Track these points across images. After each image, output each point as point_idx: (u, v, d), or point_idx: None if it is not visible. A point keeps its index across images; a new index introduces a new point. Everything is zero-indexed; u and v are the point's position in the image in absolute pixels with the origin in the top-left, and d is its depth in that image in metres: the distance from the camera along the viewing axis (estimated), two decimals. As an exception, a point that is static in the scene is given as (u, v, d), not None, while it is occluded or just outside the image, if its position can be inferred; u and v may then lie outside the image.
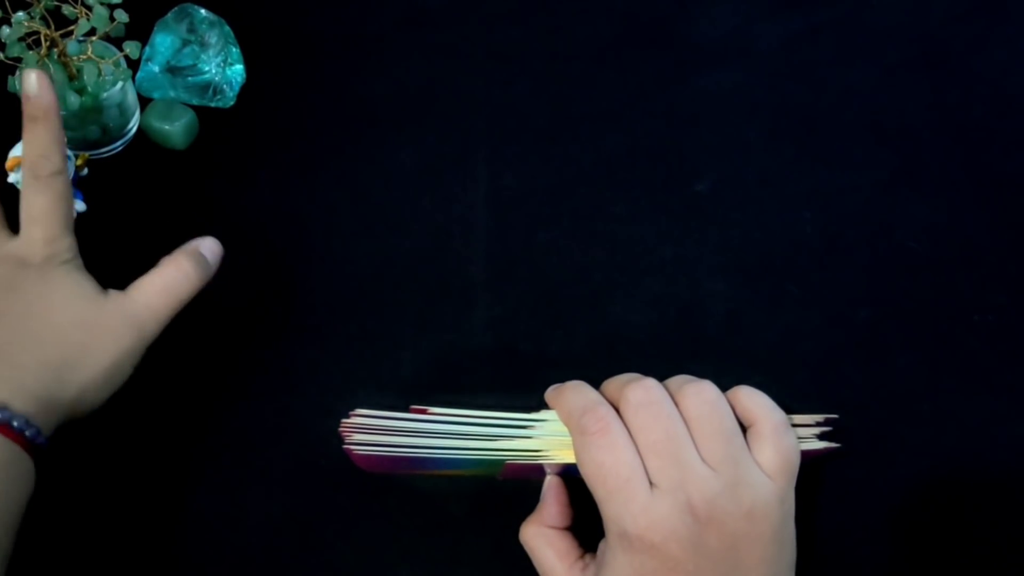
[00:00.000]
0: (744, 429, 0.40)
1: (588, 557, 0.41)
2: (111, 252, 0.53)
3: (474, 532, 0.47)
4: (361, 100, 0.60)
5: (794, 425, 0.41)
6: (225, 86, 0.58)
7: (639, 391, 0.39)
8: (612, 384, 0.41)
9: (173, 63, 0.57)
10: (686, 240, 0.56)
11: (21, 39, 0.50)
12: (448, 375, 0.51)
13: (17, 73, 0.52)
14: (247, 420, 0.49)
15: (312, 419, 0.49)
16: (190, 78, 0.57)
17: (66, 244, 0.44)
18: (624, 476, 0.37)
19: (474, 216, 0.56)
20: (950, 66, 0.63)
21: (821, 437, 0.43)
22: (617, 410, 0.39)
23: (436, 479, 0.47)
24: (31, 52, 0.51)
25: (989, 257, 0.56)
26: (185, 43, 0.57)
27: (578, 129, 0.59)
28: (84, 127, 0.54)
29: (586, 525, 0.42)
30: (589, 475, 0.38)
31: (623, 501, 0.37)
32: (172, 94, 0.58)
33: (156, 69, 0.57)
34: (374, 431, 0.42)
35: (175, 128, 0.56)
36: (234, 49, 0.59)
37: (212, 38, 0.57)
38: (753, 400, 0.40)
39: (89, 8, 0.50)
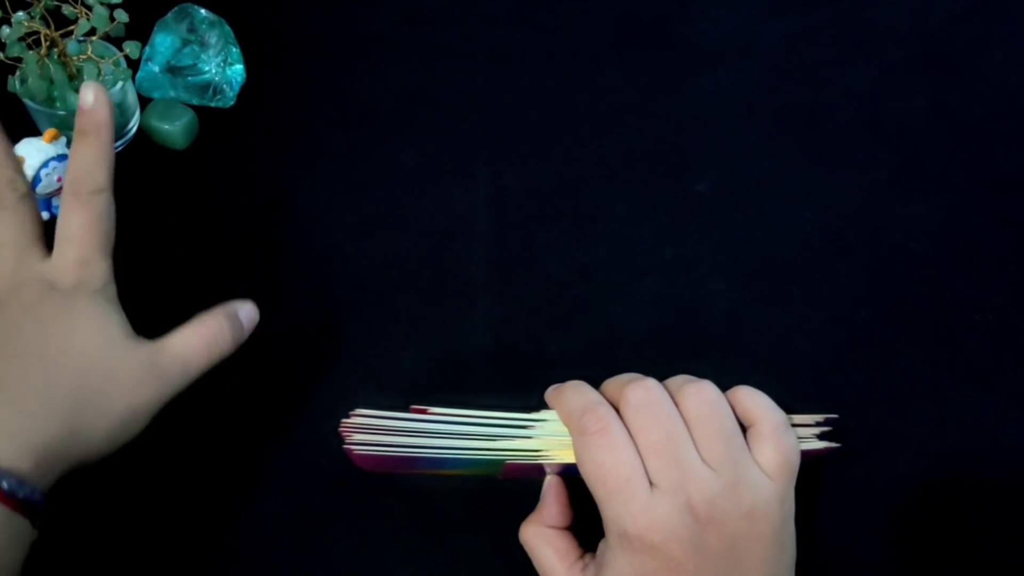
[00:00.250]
0: (744, 429, 0.40)
1: (588, 557, 0.41)
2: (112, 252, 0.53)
3: (474, 532, 0.47)
4: (361, 100, 0.60)
5: (794, 425, 0.41)
6: (225, 86, 0.58)
7: (639, 391, 0.39)
8: (612, 384, 0.41)
9: (173, 63, 0.57)
10: (686, 240, 0.56)
11: (21, 39, 0.50)
12: (448, 375, 0.51)
13: (17, 73, 0.52)
14: (247, 420, 0.49)
15: (312, 419, 0.49)
16: (190, 78, 0.57)
17: (100, 270, 0.41)
18: (624, 476, 0.37)
19: (474, 216, 0.56)
20: (950, 66, 0.63)
21: (821, 437, 0.43)
22: (617, 410, 0.39)
23: (436, 479, 0.46)
24: (31, 52, 0.51)
25: (989, 257, 0.56)
26: (185, 43, 0.57)
27: (578, 129, 0.59)
28: (84, 127, 0.54)
29: (586, 525, 0.42)
30: (589, 475, 0.38)
31: (623, 501, 0.37)
32: (172, 94, 0.58)
33: (156, 69, 0.57)
34: (374, 431, 0.42)
35: (175, 128, 0.56)
36: (234, 49, 0.59)
37: (212, 38, 0.57)
38: (753, 400, 0.40)
39: (89, 8, 0.50)
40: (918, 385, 0.51)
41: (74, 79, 0.53)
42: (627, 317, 0.53)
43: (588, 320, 0.53)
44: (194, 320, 0.42)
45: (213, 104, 0.58)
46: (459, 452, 0.41)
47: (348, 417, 0.42)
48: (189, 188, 0.56)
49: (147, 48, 0.57)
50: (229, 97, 0.58)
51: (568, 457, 0.40)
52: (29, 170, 0.50)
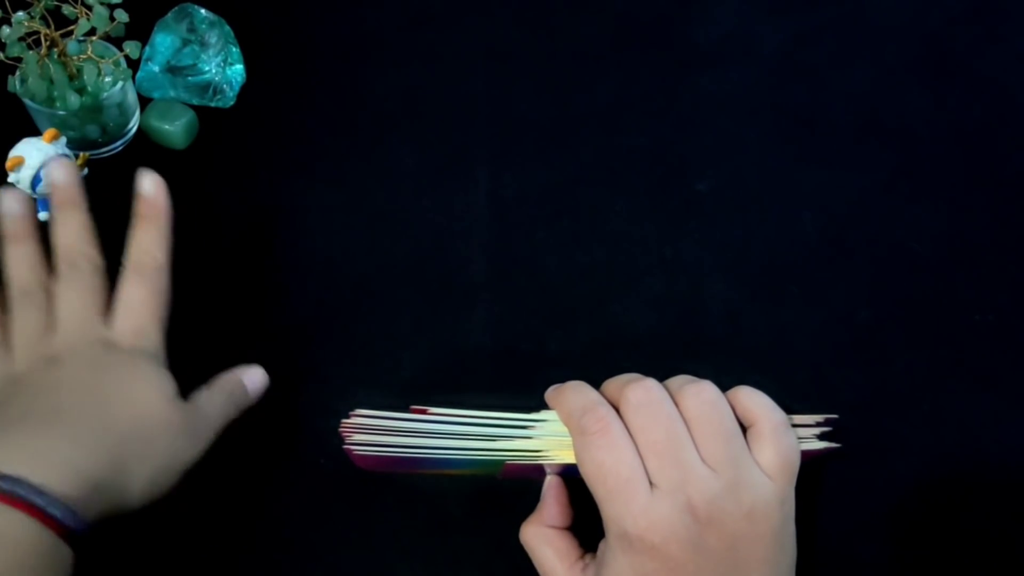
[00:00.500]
0: (744, 429, 0.40)
1: (588, 557, 0.41)
2: (111, 252, 0.53)
3: (474, 532, 0.47)
4: (361, 100, 0.60)
5: (794, 425, 0.41)
6: (225, 86, 0.58)
7: (639, 391, 0.39)
8: (612, 384, 0.41)
9: (173, 63, 0.57)
10: (686, 240, 0.56)
11: (21, 39, 0.50)
12: (448, 375, 0.51)
13: (17, 73, 0.52)
14: (247, 420, 0.49)
15: (312, 419, 0.49)
16: (190, 78, 0.57)
17: (154, 340, 0.44)
18: (624, 476, 0.37)
19: (474, 216, 0.56)
20: (950, 66, 0.63)
21: (821, 437, 0.43)
22: (617, 410, 0.39)
23: (436, 479, 0.46)
24: (31, 52, 0.51)
25: (989, 257, 0.56)
26: (185, 43, 0.57)
27: (578, 129, 0.59)
28: (84, 127, 0.54)
29: (586, 525, 0.42)
30: (589, 475, 0.38)
31: (623, 501, 0.37)
32: (172, 94, 0.58)
33: (156, 69, 0.57)
34: (374, 431, 0.42)
35: (175, 128, 0.56)
36: (234, 49, 0.59)
37: (212, 38, 0.57)
38: (753, 400, 0.40)
39: (89, 8, 0.50)
40: (918, 385, 0.51)
41: (74, 79, 0.53)
42: (627, 317, 0.53)
43: (588, 320, 0.53)
44: (216, 381, 0.45)
45: (213, 104, 0.58)
46: (459, 452, 0.41)
47: (348, 417, 0.42)
48: (189, 188, 0.56)
49: (147, 48, 0.57)
50: (229, 97, 0.58)
51: (568, 457, 0.40)
52: (29, 170, 0.50)
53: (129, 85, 0.55)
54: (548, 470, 0.43)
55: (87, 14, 0.50)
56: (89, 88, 0.53)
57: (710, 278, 0.54)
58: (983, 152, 0.60)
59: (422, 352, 0.51)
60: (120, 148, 0.57)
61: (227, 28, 0.59)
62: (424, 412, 0.42)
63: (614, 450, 0.37)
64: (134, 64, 0.55)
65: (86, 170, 0.55)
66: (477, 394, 0.46)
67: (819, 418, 0.43)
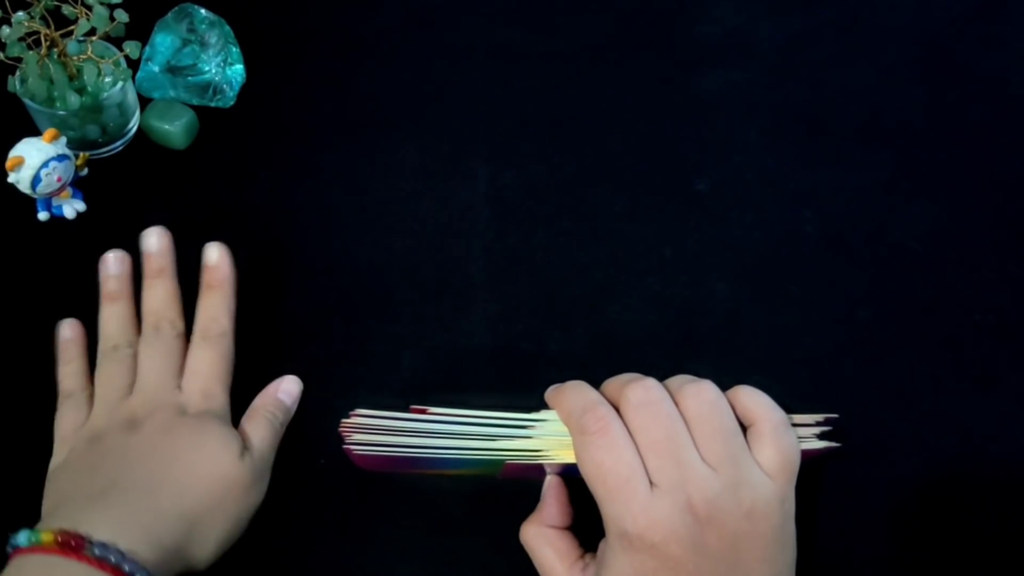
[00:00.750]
0: (744, 429, 0.40)
1: (588, 557, 0.41)
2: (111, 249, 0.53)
3: (474, 532, 0.47)
4: (361, 100, 0.60)
5: (794, 425, 0.41)
6: (225, 86, 0.58)
7: (639, 391, 0.39)
8: (612, 384, 0.41)
9: (173, 63, 0.57)
10: (686, 239, 0.56)
11: (21, 39, 0.50)
12: (448, 375, 0.51)
13: (17, 73, 0.52)
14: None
15: (312, 419, 0.49)
16: (190, 78, 0.57)
17: (220, 401, 0.46)
18: (624, 476, 0.37)
19: (474, 215, 0.56)
20: (950, 66, 0.63)
21: (821, 437, 0.43)
22: (617, 410, 0.39)
23: (436, 479, 0.46)
24: (31, 52, 0.51)
25: (989, 257, 0.56)
26: (185, 43, 0.57)
27: (578, 129, 0.59)
28: (84, 127, 0.54)
29: (586, 525, 0.42)
30: (589, 475, 0.38)
31: (623, 501, 0.37)
32: (172, 94, 0.58)
33: (156, 69, 0.57)
34: (374, 431, 0.42)
35: (175, 128, 0.56)
36: (234, 49, 0.59)
37: (212, 38, 0.57)
38: (753, 400, 0.40)
39: (89, 8, 0.50)
40: (918, 385, 0.51)
41: (74, 79, 0.53)
42: (627, 316, 0.53)
43: (588, 319, 0.53)
44: (257, 414, 0.47)
45: (213, 104, 0.58)
46: (459, 452, 0.41)
47: (348, 417, 0.42)
48: (189, 188, 0.56)
49: (147, 48, 0.57)
50: (229, 97, 0.58)
51: (568, 457, 0.40)
52: (29, 170, 0.50)
53: (129, 85, 0.55)
54: (548, 470, 0.43)
55: (87, 14, 0.50)
56: (89, 88, 0.53)
57: (710, 278, 0.54)
58: (983, 152, 0.59)
59: (422, 352, 0.51)
60: (120, 148, 0.57)
61: (227, 28, 0.59)
62: (424, 412, 0.42)
63: (614, 449, 0.37)
64: (134, 64, 0.55)
65: (86, 170, 0.55)
66: (477, 394, 0.46)
67: (819, 418, 0.43)
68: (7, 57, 0.50)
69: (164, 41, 0.57)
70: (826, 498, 0.48)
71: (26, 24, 0.50)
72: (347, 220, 0.55)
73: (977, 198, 0.58)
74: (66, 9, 0.50)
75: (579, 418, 0.39)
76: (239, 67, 0.59)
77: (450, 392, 0.50)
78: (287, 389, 0.49)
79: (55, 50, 0.51)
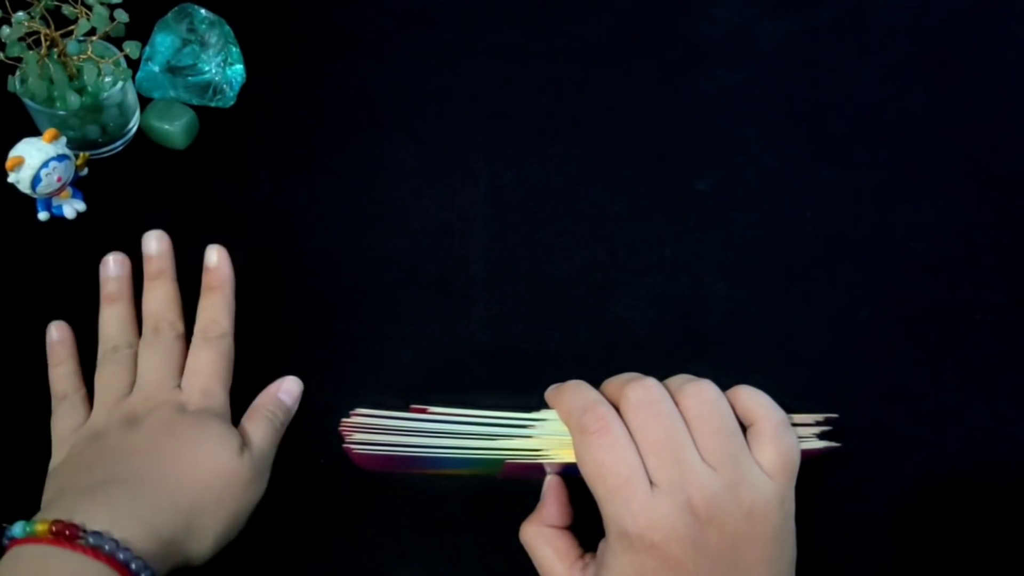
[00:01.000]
0: (744, 428, 0.40)
1: (588, 557, 0.41)
2: (111, 251, 0.53)
3: (474, 532, 0.47)
4: (361, 99, 0.60)
5: (794, 424, 0.41)
6: (225, 86, 0.58)
7: (639, 390, 0.39)
8: (612, 383, 0.41)
9: (173, 63, 0.57)
10: (686, 239, 0.56)
11: (21, 39, 0.50)
12: (448, 374, 0.51)
13: (17, 73, 0.52)
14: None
15: (312, 419, 0.49)
16: (190, 78, 0.57)
17: (220, 400, 0.47)
18: (624, 475, 0.37)
19: (474, 215, 0.56)
20: (950, 66, 0.63)
21: (821, 436, 0.43)
22: (617, 410, 0.39)
23: (436, 479, 0.46)
24: (31, 52, 0.51)
25: (989, 257, 0.56)
26: (185, 43, 0.57)
27: (578, 129, 0.59)
28: (84, 127, 0.54)
29: (586, 525, 0.42)
30: (589, 474, 0.38)
31: (623, 500, 0.37)
32: (172, 94, 0.58)
33: (156, 69, 0.57)
34: (374, 430, 0.42)
35: (175, 128, 0.56)
36: (234, 49, 0.59)
37: (212, 38, 0.57)
38: (753, 399, 0.40)
39: (89, 8, 0.50)
40: (918, 385, 0.51)
41: (74, 79, 0.53)
42: (627, 316, 0.53)
43: (588, 319, 0.53)
44: (258, 413, 0.47)
45: (213, 104, 0.58)
46: (459, 452, 0.41)
47: (348, 416, 0.42)
48: (189, 188, 0.56)
49: (147, 48, 0.57)
50: (229, 97, 0.58)
51: (568, 456, 0.40)
52: (29, 170, 0.50)
53: (129, 85, 0.55)
54: (548, 469, 0.43)
55: (87, 14, 0.50)
56: (89, 88, 0.53)
57: (710, 277, 0.54)
58: (983, 152, 0.59)
59: (422, 352, 0.51)
60: (120, 148, 0.57)
61: (227, 28, 0.59)
62: (424, 411, 0.42)
63: (614, 449, 0.37)
64: (134, 64, 0.55)
65: (86, 170, 0.55)
66: (477, 394, 0.46)
67: (819, 417, 0.43)
68: (7, 57, 0.50)
69: (164, 41, 0.57)
70: (826, 498, 0.48)
71: (26, 24, 0.50)
72: (347, 220, 0.55)
73: (977, 198, 0.58)
74: (66, 9, 0.50)
75: (579, 418, 0.39)
76: (239, 67, 0.59)
77: (450, 392, 0.50)
78: (288, 389, 0.49)
79: (55, 50, 0.51)
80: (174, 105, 0.57)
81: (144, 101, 0.57)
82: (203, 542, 0.42)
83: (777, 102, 0.61)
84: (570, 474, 0.42)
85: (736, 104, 0.61)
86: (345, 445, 0.42)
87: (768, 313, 0.53)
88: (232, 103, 0.59)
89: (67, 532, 0.38)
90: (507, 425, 0.42)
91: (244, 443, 0.45)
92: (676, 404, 0.39)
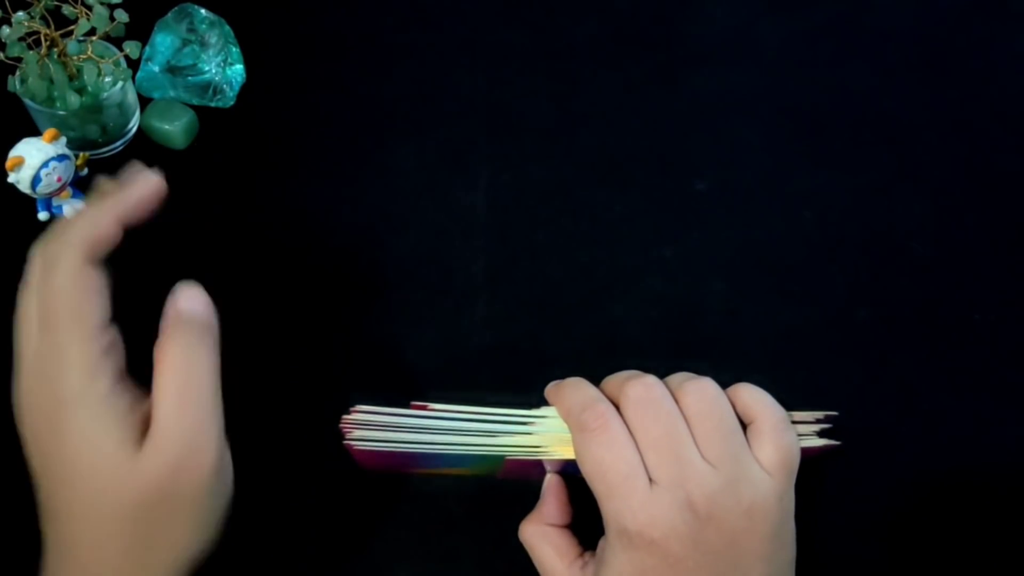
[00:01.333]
0: (744, 426, 0.40)
1: (588, 555, 0.41)
2: (111, 252, 0.53)
3: (474, 532, 0.47)
4: (361, 100, 0.60)
5: (794, 422, 0.41)
6: (225, 86, 0.58)
7: (639, 387, 0.39)
8: (612, 381, 0.41)
9: (173, 63, 0.57)
10: (686, 239, 0.56)
11: (21, 39, 0.50)
12: (448, 374, 0.51)
13: (17, 73, 0.52)
14: (247, 419, 0.49)
15: (312, 418, 0.49)
16: (190, 78, 0.57)
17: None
18: (624, 472, 0.37)
19: (474, 215, 0.56)
20: (950, 66, 0.63)
21: (821, 434, 0.43)
22: (617, 408, 0.39)
23: (436, 479, 0.46)
24: (31, 52, 0.51)
25: (989, 257, 0.56)
26: (185, 43, 0.57)
27: (578, 129, 0.59)
28: (84, 127, 0.54)
29: (586, 524, 0.42)
30: (589, 472, 0.38)
31: (622, 497, 0.37)
32: (172, 94, 0.58)
33: (156, 69, 0.57)
34: (375, 427, 0.42)
35: (175, 128, 0.56)
36: (234, 49, 0.59)
37: (212, 38, 0.58)
38: (753, 397, 0.40)
39: (89, 8, 0.50)
40: (918, 385, 0.51)
41: (74, 79, 0.53)
42: (627, 316, 0.53)
43: (588, 319, 0.53)
44: (157, 364, 0.36)
45: (213, 104, 0.58)
46: (459, 448, 0.41)
47: (348, 413, 0.42)
48: (189, 188, 0.56)
49: (147, 48, 0.57)
50: (229, 97, 0.58)
51: (568, 454, 0.40)
52: (29, 170, 0.50)
53: (129, 85, 0.55)
54: (548, 468, 0.43)
55: (87, 14, 0.50)
56: (89, 88, 0.53)
57: (710, 278, 0.54)
58: (983, 152, 0.59)
59: (422, 351, 0.51)
60: (120, 148, 0.57)
61: (227, 28, 0.59)
62: (424, 408, 0.42)
63: (613, 446, 0.37)
64: (134, 64, 0.55)
65: (86, 170, 0.55)
66: (477, 394, 0.46)
67: (819, 415, 0.43)
68: (7, 57, 0.50)
69: (164, 41, 0.57)
70: (826, 498, 0.48)
71: (26, 24, 0.50)
72: (347, 220, 0.55)
73: (977, 198, 0.58)
74: (66, 9, 0.50)
75: (578, 415, 0.39)
76: (239, 67, 0.59)
77: (450, 392, 0.50)
78: (189, 297, 0.38)
79: (55, 50, 0.51)
80: (174, 105, 0.57)
81: (144, 101, 0.57)
82: (189, 551, 0.35)
83: (777, 102, 0.61)
84: (570, 473, 0.42)
85: (736, 104, 0.61)
86: (345, 442, 0.42)
87: (768, 313, 0.53)
88: (232, 103, 0.59)
89: None
90: (508, 422, 0.42)
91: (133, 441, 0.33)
92: (676, 402, 0.39)
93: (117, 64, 0.53)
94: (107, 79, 0.53)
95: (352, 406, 0.42)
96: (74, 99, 0.51)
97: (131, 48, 0.51)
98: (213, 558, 0.44)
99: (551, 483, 0.43)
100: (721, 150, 0.59)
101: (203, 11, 0.58)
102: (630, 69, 0.62)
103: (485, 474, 0.45)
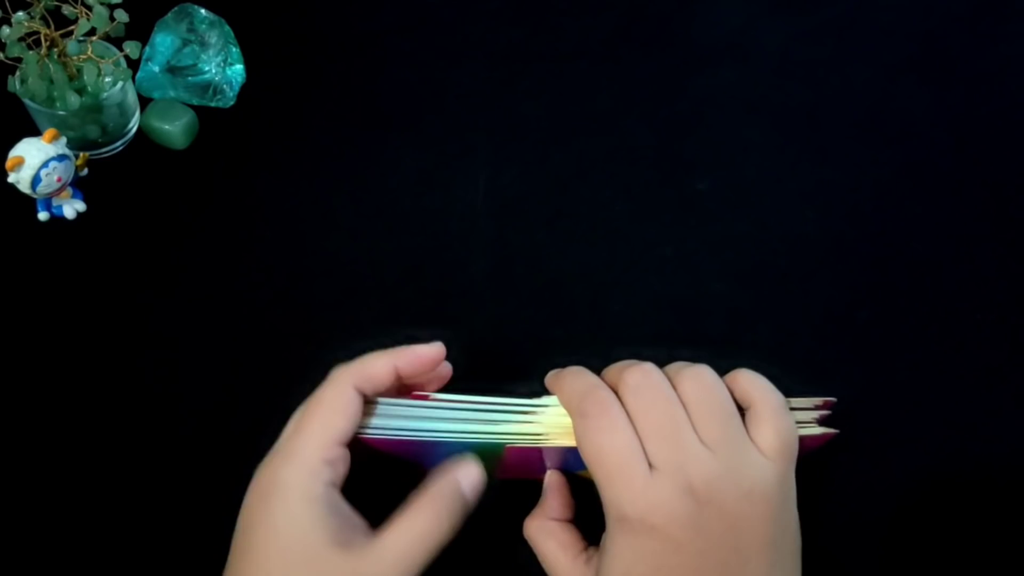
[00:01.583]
0: (743, 412, 0.40)
1: (592, 550, 0.41)
2: (111, 252, 0.53)
3: (474, 532, 0.47)
4: (361, 100, 0.60)
5: (792, 408, 0.41)
6: (225, 86, 0.58)
7: (637, 374, 0.39)
8: (612, 370, 0.41)
9: (173, 63, 0.57)
10: (687, 239, 0.56)
11: (21, 39, 0.50)
12: (448, 374, 0.51)
13: (17, 73, 0.52)
14: (247, 418, 0.49)
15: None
16: (190, 78, 0.57)
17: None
18: (623, 458, 0.37)
19: (474, 215, 0.56)
20: (950, 66, 0.63)
21: (821, 422, 0.43)
22: (617, 395, 0.39)
23: None
24: (31, 52, 0.51)
25: (989, 257, 0.56)
26: (185, 43, 0.57)
27: (578, 129, 0.59)
28: (84, 127, 0.54)
29: (588, 521, 0.42)
30: (589, 458, 0.38)
31: (623, 483, 0.37)
32: (172, 94, 0.58)
33: (156, 69, 0.57)
34: (375, 415, 0.42)
35: (175, 128, 0.56)
36: (234, 49, 0.59)
37: (212, 38, 0.58)
38: (751, 382, 0.40)
39: (89, 8, 0.50)
40: (918, 384, 0.51)
41: (74, 79, 0.53)
42: (627, 316, 0.53)
43: (588, 319, 0.53)
44: (411, 508, 0.39)
45: (213, 104, 0.58)
46: (461, 436, 0.41)
47: None
48: (189, 188, 0.56)
49: (147, 48, 0.57)
50: (229, 97, 0.58)
51: (569, 441, 0.40)
52: (29, 170, 0.50)
53: (129, 85, 0.55)
54: (548, 464, 0.43)
55: (87, 14, 0.50)
56: (89, 88, 0.53)
57: (710, 277, 0.54)
58: (983, 152, 0.60)
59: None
60: (120, 148, 0.57)
61: (227, 28, 0.59)
62: (426, 398, 0.42)
63: (613, 432, 0.37)
64: (134, 64, 0.55)
65: (86, 170, 0.55)
66: (477, 394, 0.46)
67: (818, 401, 0.43)
68: (7, 57, 0.50)
69: (164, 41, 0.57)
70: (826, 497, 0.48)
71: (26, 24, 0.50)
72: (347, 220, 0.55)
73: (977, 198, 0.58)
74: (66, 9, 0.50)
75: (579, 402, 0.39)
76: (239, 67, 0.59)
77: (450, 391, 0.50)
78: (471, 479, 0.40)
79: (55, 50, 0.51)
80: (174, 105, 0.57)
81: (144, 101, 0.57)
82: None
83: (777, 103, 0.61)
84: (570, 469, 0.42)
85: (736, 104, 0.61)
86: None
87: (768, 313, 0.53)
88: (232, 103, 0.59)
89: None
90: (510, 411, 0.42)
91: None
92: (674, 388, 0.39)
93: (117, 64, 0.52)
94: (107, 79, 0.53)
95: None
96: (74, 99, 0.51)
97: (131, 48, 0.51)
98: (213, 558, 0.44)
99: (552, 479, 0.43)
100: (721, 150, 0.59)
101: (203, 11, 0.58)
102: (630, 69, 0.62)
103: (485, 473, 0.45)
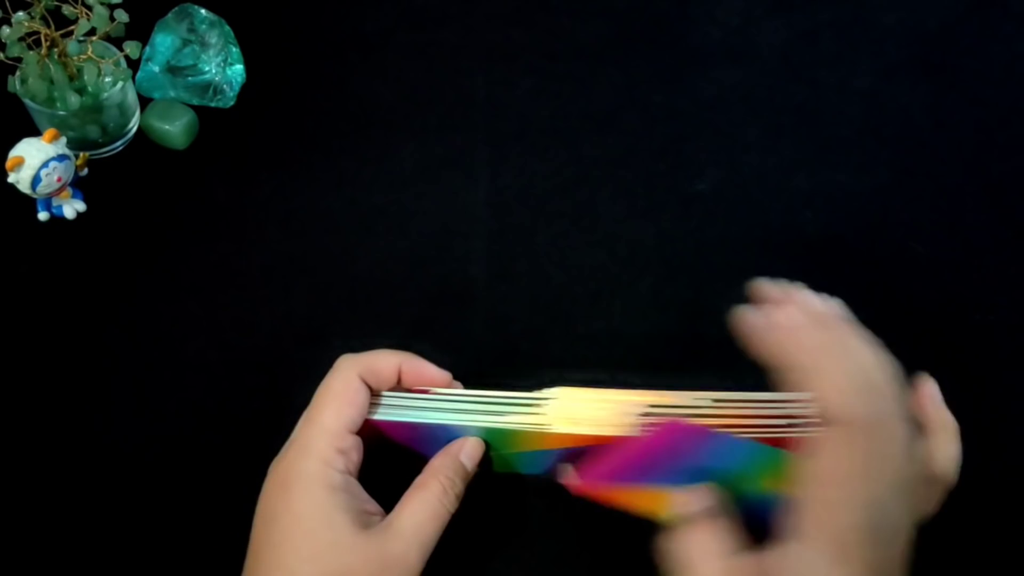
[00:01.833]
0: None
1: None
2: (111, 252, 0.53)
3: (476, 532, 0.47)
4: (361, 100, 0.60)
5: (793, 408, 0.41)
6: (225, 86, 0.58)
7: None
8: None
9: (173, 63, 0.57)
10: (686, 240, 0.56)
11: (21, 39, 0.50)
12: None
13: (17, 73, 0.52)
14: (247, 418, 0.49)
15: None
16: (190, 78, 0.57)
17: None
18: (818, 353, 0.38)
19: (474, 216, 0.56)
20: (950, 66, 0.63)
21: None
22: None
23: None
24: (31, 52, 0.51)
25: (989, 257, 0.56)
26: (185, 43, 0.57)
27: (578, 129, 0.59)
28: (84, 127, 0.54)
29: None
30: (786, 363, 0.39)
31: (822, 377, 0.38)
32: (172, 94, 0.58)
33: (156, 69, 0.57)
34: (383, 405, 0.42)
35: (175, 128, 0.56)
36: (234, 49, 0.59)
37: (212, 38, 0.58)
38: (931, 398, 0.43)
39: (89, 8, 0.50)
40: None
41: (74, 79, 0.53)
42: (627, 316, 0.53)
43: (588, 319, 0.53)
44: (417, 487, 0.40)
45: (213, 104, 0.58)
46: (467, 423, 0.41)
47: None
48: (189, 188, 0.56)
49: (147, 48, 0.57)
50: (229, 97, 0.58)
51: (573, 428, 0.40)
52: (29, 170, 0.50)
53: (129, 85, 0.55)
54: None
55: (87, 14, 0.50)
56: (89, 88, 0.53)
57: (710, 278, 0.54)
58: (983, 152, 0.60)
59: (422, 352, 0.51)
60: (120, 148, 0.57)
61: (227, 28, 0.59)
62: (426, 392, 0.42)
63: (802, 333, 0.40)
64: (134, 64, 0.55)
65: (86, 170, 0.55)
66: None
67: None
68: (7, 57, 0.50)
69: (164, 41, 0.57)
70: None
71: (26, 24, 0.50)
72: (347, 220, 0.55)
73: (977, 198, 0.58)
74: (66, 9, 0.50)
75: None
76: (239, 67, 0.59)
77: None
78: (469, 451, 0.42)
79: (55, 50, 0.51)
80: (174, 105, 0.57)
81: (144, 101, 0.57)
82: None
83: (777, 102, 0.61)
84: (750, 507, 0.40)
85: (736, 104, 0.61)
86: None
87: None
88: (232, 103, 0.59)
89: None
90: (513, 403, 0.41)
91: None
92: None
93: (117, 64, 0.52)
94: (107, 79, 0.53)
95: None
96: (74, 99, 0.51)
97: (131, 48, 0.51)
98: (213, 558, 0.44)
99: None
100: (721, 150, 0.59)
101: (203, 11, 0.58)
102: (630, 69, 0.62)
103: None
